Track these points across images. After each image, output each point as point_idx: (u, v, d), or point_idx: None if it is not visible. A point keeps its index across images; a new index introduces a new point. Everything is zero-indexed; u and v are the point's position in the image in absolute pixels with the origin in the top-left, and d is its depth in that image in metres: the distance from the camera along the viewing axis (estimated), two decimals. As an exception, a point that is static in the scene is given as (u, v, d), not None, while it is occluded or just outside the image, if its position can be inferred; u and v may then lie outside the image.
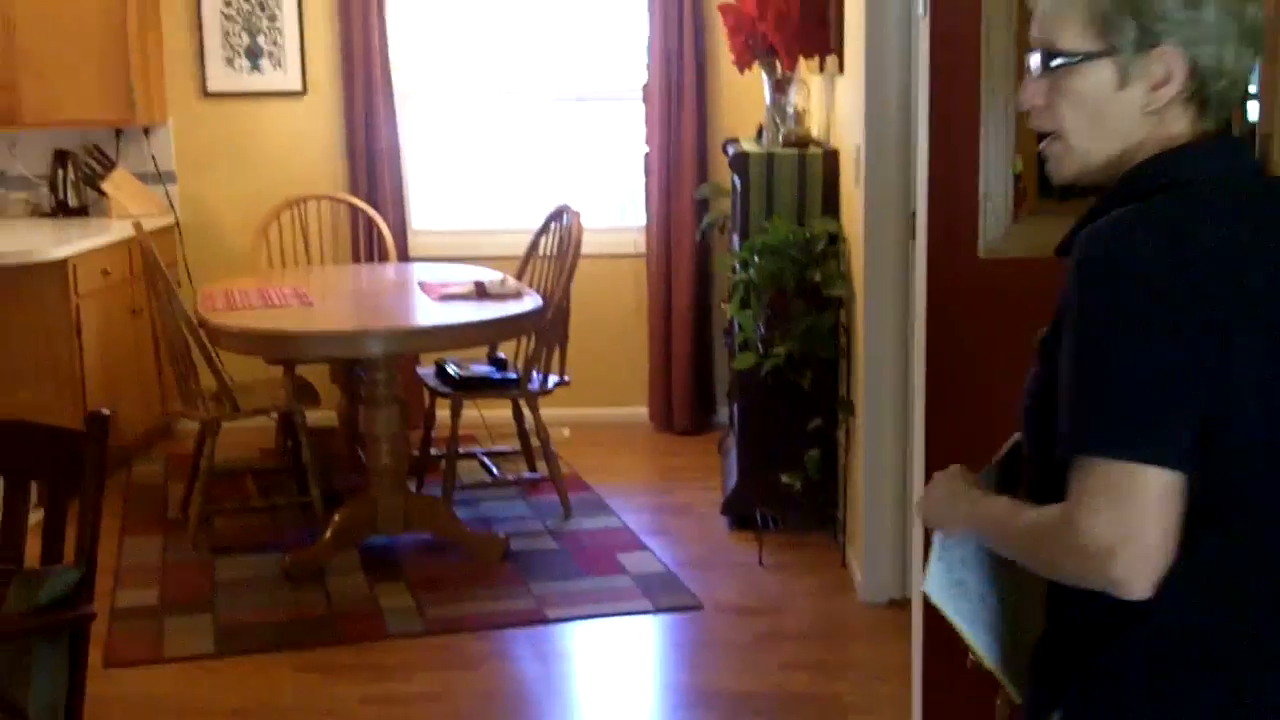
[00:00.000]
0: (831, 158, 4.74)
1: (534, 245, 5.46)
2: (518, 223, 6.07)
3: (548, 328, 4.97)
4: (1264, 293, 1.44)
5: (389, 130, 6.15)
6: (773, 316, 4.52)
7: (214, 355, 4.60)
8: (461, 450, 5.62)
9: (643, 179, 6.21)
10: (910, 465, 3.66)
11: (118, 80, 5.82)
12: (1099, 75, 1.52)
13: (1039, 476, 1.55)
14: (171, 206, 6.20)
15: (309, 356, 4.86)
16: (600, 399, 6.27)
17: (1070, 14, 1.53)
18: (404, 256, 6.20)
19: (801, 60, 5.10)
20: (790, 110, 5.17)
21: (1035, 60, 1.57)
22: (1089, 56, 1.52)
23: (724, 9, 5.13)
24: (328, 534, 4.59)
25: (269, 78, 6.19)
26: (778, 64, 5.04)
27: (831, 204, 4.71)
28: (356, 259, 6.15)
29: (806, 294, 4.48)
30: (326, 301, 4.81)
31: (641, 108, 6.14)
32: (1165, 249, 1.42)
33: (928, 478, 2.00)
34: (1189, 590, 1.42)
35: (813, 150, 4.81)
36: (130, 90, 5.84)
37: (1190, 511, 1.41)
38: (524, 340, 5.12)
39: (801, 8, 4.89)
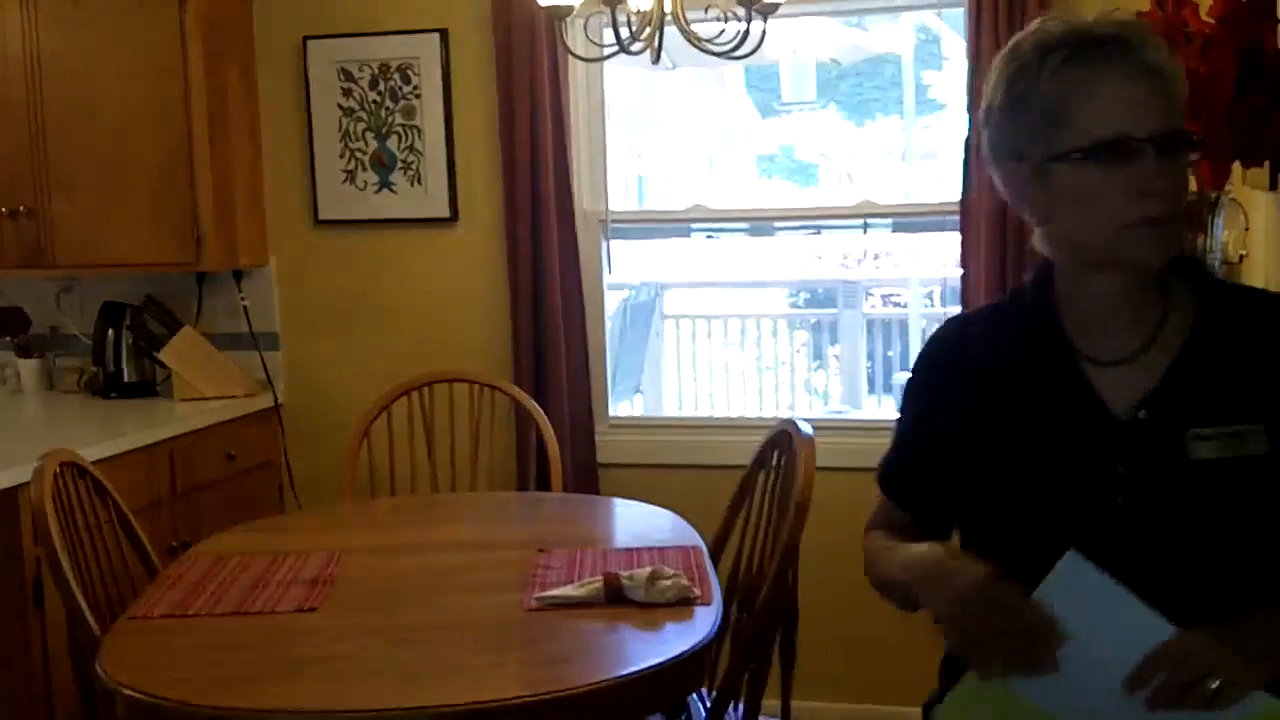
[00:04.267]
0: None
1: (748, 483, 3.24)
2: (763, 409, 3.94)
3: (753, 634, 2.78)
4: None
5: (570, 277, 4.11)
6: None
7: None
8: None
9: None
10: None
11: (178, 208, 4.04)
12: None
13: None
14: (270, 383, 4.36)
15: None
16: (873, 694, 4.02)
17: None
18: (586, 467, 4.12)
19: (1238, 168, 2.76)
20: (1214, 254, 2.84)
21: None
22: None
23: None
24: None
25: (405, 199, 4.27)
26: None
27: None
28: (519, 476, 4.11)
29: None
30: (350, 600, 2.73)
31: (955, 237, 3.88)
32: None
33: None
34: None
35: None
36: (195, 221, 4.04)
37: None
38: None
39: (1238, 74, 2.54)
